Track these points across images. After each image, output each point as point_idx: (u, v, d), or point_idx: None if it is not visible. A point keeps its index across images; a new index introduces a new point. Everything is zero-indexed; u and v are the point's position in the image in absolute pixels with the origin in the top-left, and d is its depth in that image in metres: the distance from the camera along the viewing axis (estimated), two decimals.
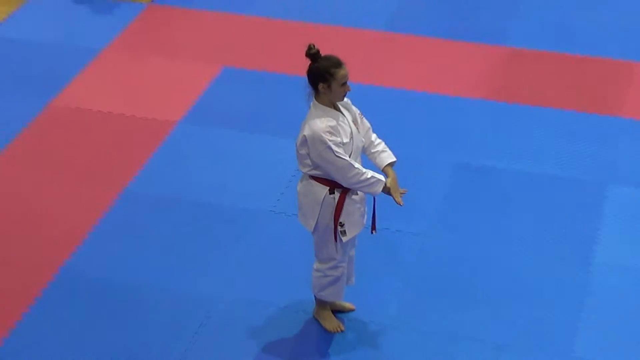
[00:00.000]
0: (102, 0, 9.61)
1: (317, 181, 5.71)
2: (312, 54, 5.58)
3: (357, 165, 5.61)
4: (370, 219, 6.07)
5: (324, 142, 5.52)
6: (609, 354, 6.10)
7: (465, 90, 8.37)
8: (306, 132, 5.58)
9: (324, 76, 5.55)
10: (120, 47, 8.93)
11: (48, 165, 7.56)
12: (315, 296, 6.18)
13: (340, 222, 5.78)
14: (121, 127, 7.94)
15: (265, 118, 8.04)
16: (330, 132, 5.52)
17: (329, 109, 5.61)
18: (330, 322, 6.21)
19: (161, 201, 7.22)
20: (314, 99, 5.65)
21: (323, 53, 5.63)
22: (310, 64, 5.59)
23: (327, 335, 6.18)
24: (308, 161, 5.65)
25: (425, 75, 8.55)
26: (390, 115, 7.97)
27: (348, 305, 6.35)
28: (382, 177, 5.68)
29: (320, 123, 5.54)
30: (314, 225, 5.80)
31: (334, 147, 5.52)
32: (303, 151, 5.64)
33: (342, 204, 5.76)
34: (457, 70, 8.64)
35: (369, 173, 5.63)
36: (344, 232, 5.81)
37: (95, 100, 8.23)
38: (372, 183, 5.65)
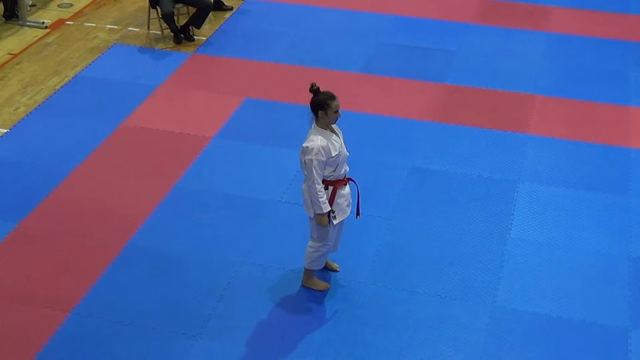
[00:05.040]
0: (158, 51, 9.50)
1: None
2: (314, 90, 5.53)
3: (320, 186, 5.53)
4: (355, 207, 5.98)
5: (310, 155, 5.49)
6: (521, 304, 6.06)
7: (417, 115, 8.28)
8: (305, 144, 5.55)
9: (322, 106, 5.50)
10: (172, 84, 8.83)
11: (119, 168, 7.47)
12: (304, 268, 6.06)
13: (332, 210, 5.67)
14: (172, 141, 7.84)
15: (275, 134, 7.94)
16: (319, 152, 5.47)
17: (324, 130, 5.55)
18: (319, 285, 6.11)
19: (201, 194, 7.12)
20: (314, 123, 5.54)
21: (320, 88, 5.56)
22: (312, 97, 5.51)
23: (324, 290, 6.13)
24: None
25: (389, 104, 8.47)
26: (365, 133, 7.92)
27: (335, 265, 6.27)
28: (327, 209, 5.59)
29: (317, 141, 5.51)
30: (314, 213, 5.70)
31: (315, 162, 5.47)
32: (302, 158, 5.52)
33: (334, 197, 5.65)
34: (412, 100, 8.55)
35: (323, 199, 5.55)
36: (334, 217, 5.72)
37: (154, 122, 8.13)
38: (317, 205, 5.58)
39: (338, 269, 6.27)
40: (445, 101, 8.54)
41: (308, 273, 6.07)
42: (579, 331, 5.82)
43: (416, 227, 6.77)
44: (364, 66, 9.17)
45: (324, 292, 6.08)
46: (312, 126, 5.59)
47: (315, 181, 5.52)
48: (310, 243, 5.92)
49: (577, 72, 9.13)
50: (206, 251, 6.47)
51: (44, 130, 8.00)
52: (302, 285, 6.10)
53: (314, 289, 6.08)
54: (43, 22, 10.04)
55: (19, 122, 8.11)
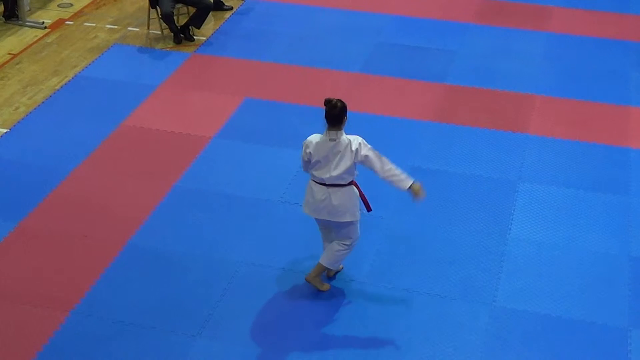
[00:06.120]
0: (158, 51, 9.51)
1: (351, 184, 5.74)
2: (334, 103, 5.58)
3: (389, 162, 5.72)
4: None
5: (367, 144, 5.66)
6: (521, 304, 6.06)
7: (417, 114, 8.29)
8: (357, 142, 5.63)
9: (346, 111, 5.62)
10: (172, 84, 8.83)
11: (119, 168, 7.47)
12: (320, 265, 5.95)
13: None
14: (172, 141, 7.84)
15: (275, 134, 7.94)
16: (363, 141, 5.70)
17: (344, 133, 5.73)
18: (323, 286, 6.08)
19: (201, 194, 7.13)
20: (340, 130, 5.62)
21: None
22: (333, 109, 5.55)
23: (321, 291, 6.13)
24: (353, 162, 5.61)
25: (389, 104, 8.47)
26: (364, 133, 7.85)
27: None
28: (412, 179, 5.75)
29: (359, 138, 5.67)
30: (359, 214, 5.80)
31: (372, 149, 5.68)
32: (361, 152, 5.60)
33: (359, 189, 5.87)
34: (412, 100, 8.56)
35: (400, 170, 5.73)
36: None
37: (154, 122, 8.13)
38: (402, 180, 5.71)
39: (341, 267, 6.26)
40: (445, 101, 8.54)
41: (321, 271, 6.00)
42: (579, 331, 5.82)
43: (416, 227, 6.77)
44: (364, 66, 9.17)
45: (324, 292, 6.07)
46: (339, 134, 5.61)
47: (385, 162, 5.64)
48: (342, 246, 5.86)
49: (577, 72, 9.13)
50: (206, 251, 6.48)
51: (44, 130, 8.00)
52: (306, 280, 6.05)
53: (317, 287, 6.06)
54: (43, 22, 10.05)
55: (19, 122, 8.11)
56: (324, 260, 5.94)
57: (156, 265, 6.34)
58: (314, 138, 5.69)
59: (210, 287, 6.13)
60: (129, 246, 6.51)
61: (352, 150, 5.59)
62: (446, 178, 7.36)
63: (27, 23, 10.01)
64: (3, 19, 10.09)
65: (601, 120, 8.27)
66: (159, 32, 9.82)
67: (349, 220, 5.77)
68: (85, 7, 10.58)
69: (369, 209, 5.96)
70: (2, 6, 10.16)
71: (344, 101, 5.65)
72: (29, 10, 10.26)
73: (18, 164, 7.50)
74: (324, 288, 6.08)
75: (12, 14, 10.04)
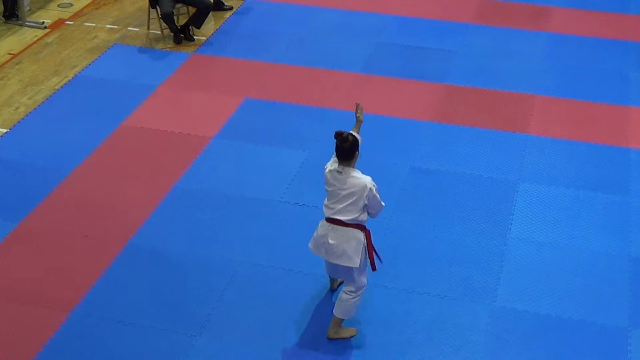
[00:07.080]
0: (158, 51, 9.51)
1: (355, 227, 5.38)
2: (345, 136, 5.29)
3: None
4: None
5: (374, 187, 5.31)
6: (521, 304, 6.06)
7: (417, 114, 8.29)
8: (366, 183, 5.29)
9: (357, 146, 5.34)
10: (172, 84, 8.84)
11: (119, 168, 7.48)
12: (336, 319, 5.62)
13: (376, 252, 5.53)
14: (172, 141, 7.85)
15: (275, 134, 7.94)
16: (373, 183, 5.36)
17: (357, 169, 5.41)
18: (349, 331, 5.73)
19: (201, 194, 7.13)
20: (349, 166, 5.31)
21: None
22: (344, 142, 5.25)
23: (324, 290, 6.12)
24: (360, 205, 5.31)
25: (389, 104, 8.48)
26: (364, 133, 7.86)
27: None
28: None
29: (367, 177, 5.33)
30: (359, 262, 5.39)
31: (375, 190, 5.35)
32: (363, 198, 5.29)
33: (370, 240, 5.48)
34: (412, 100, 8.56)
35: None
36: (379, 259, 5.59)
37: (154, 122, 8.14)
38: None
39: (355, 332, 5.87)
40: (445, 101, 8.55)
41: (338, 324, 5.65)
42: (579, 331, 5.82)
43: (416, 227, 6.77)
44: (364, 66, 9.17)
45: (327, 289, 6.05)
46: (347, 170, 5.28)
47: (382, 206, 5.43)
48: (351, 293, 5.51)
49: (577, 72, 9.14)
50: (206, 251, 6.48)
51: (44, 130, 8.00)
52: (328, 338, 5.67)
53: (344, 337, 5.69)
54: (43, 22, 10.05)
55: (19, 122, 8.12)
56: (337, 312, 5.61)
57: (156, 265, 6.34)
58: (329, 165, 5.41)
59: (210, 287, 6.13)
60: (129, 246, 6.51)
61: (363, 186, 5.27)
62: (446, 178, 7.36)
63: (27, 23, 10.01)
64: (3, 19, 10.09)
65: (601, 120, 8.27)
66: (159, 32, 9.82)
67: (346, 265, 5.41)
68: (85, 7, 10.59)
69: (373, 268, 5.55)
70: (2, 6, 10.17)
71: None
72: (29, 10, 10.26)
73: (18, 164, 7.50)
74: (351, 333, 5.71)
75: (12, 14, 10.05)
